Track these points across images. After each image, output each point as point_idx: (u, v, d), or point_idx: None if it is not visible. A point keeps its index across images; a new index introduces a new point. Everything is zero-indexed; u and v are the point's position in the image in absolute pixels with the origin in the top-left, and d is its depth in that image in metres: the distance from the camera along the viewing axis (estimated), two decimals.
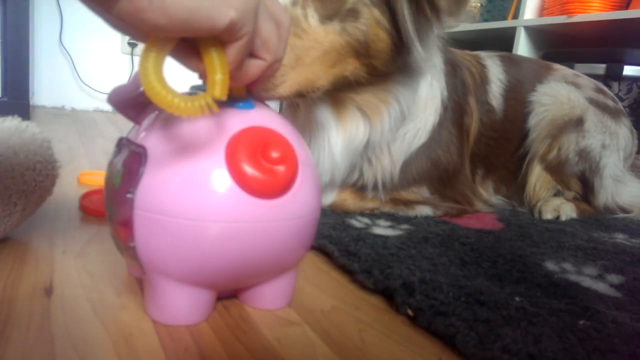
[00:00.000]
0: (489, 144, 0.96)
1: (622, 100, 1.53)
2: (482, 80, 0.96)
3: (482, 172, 0.99)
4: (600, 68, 1.54)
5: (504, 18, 2.08)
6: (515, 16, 2.00)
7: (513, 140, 1.00)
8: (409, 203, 0.83)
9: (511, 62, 1.03)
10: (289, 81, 0.61)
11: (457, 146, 0.87)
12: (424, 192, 0.84)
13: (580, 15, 1.69)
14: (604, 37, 1.85)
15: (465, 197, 0.90)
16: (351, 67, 0.66)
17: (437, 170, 0.84)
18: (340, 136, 0.73)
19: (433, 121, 0.81)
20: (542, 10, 1.91)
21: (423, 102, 0.80)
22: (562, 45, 1.97)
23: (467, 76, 0.92)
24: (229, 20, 0.31)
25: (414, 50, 0.66)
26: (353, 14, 0.64)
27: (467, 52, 1.00)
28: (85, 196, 0.73)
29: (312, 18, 0.63)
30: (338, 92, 0.70)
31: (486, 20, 2.15)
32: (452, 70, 0.88)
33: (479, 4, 2.14)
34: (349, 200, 0.81)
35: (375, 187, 0.81)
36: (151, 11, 0.28)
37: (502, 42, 2.01)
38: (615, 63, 1.52)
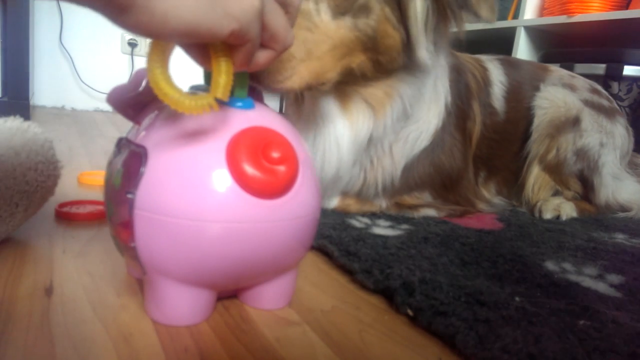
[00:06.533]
0: (492, 145, 0.96)
1: (622, 100, 1.53)
2: (485, 83, 0.96)
3: (484, 175, 0.99)
4: (600, 68, 1.54)
5: (504, 18, 2.08)
6: (515, 16, 2.00)
7: (515, 141, 1.01)
8: (413, 207, 0.83)
9: (510, 64, 1.05)
10: (298, 74, 0.62)
11: (461, 150, 0.87)
12: (426, 197, 0.84)
13: (580, 15, 1.69)
14: (604, 37, 1.85)
15: (468, 201, 0.91)
16: (358, 60, 0.67)
17: (440, 176, 0.84)
18: (347, 128, 0.73)
19: (436, 124, 0.81)
20: (542, 10, 1.91)
21: (427, 104, 0.80)
22: (562, 45, 1.97)
23: (470, 79, 0.92)
24: (229, 31, 0.32)
25: (420, 51, 0.67)
26: (365, 10, 0.64)
27: (468, 55, 1.01)
28: (61, 206, 0.69)
29: (325, 13, 0.63)
30: (344, 85, 0.70)
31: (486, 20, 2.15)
32: (457, 75, 0.88)
33: None
34: (352, 205, 0.81)
35: (377, 192, 0.80)
36: (153, 24, 0.30)
37: (502, 42, 2.01)
38: (615, 63, 1.52)
